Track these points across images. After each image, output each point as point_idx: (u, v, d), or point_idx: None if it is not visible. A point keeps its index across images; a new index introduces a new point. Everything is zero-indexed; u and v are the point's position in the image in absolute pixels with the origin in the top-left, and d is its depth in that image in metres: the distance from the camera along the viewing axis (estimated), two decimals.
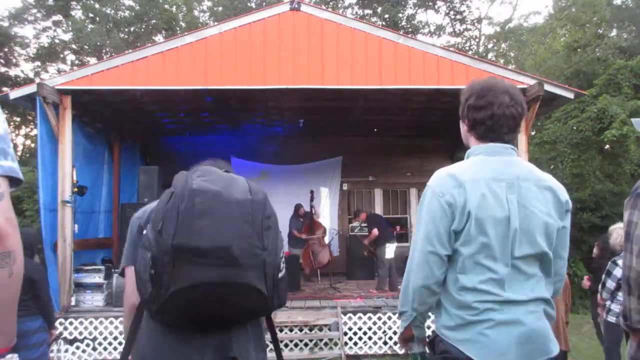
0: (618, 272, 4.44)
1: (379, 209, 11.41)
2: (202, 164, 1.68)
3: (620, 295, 4.37)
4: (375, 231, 8.50)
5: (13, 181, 1.21)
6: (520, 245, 1.72)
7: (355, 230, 10.78)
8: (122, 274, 1.77)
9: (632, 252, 1.84)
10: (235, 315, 1.50)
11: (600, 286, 4.66)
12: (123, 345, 1.63)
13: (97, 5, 18.41)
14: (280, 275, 1.48)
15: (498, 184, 1.76)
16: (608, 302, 4.53)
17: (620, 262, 4.43)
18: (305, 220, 9.75)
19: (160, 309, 1.41)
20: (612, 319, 4.47)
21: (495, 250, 1.71)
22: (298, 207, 9.74)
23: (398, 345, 6.86)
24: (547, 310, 1.78)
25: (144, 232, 1.48)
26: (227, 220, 1.37)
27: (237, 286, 1.38)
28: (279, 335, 6.68)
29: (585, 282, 5.65)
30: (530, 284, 1.74)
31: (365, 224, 9.18)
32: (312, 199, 9.86)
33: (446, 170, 1.84)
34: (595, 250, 5.76)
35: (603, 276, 4.62)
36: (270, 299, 1.46)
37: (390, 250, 8.47)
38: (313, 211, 9.79)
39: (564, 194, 1.83)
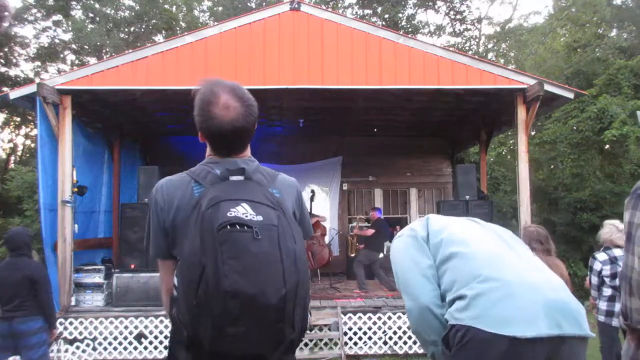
0: (597, 265, 4.47)
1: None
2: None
3: (605, 291, 4.40)
4: (370, 232, 8.57)
5: None
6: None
7: (353, 223, 10.83)
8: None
9: (633, 252, 1.83)
10: None
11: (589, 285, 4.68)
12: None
13: (97, 5, 18.39)
14: (308, 327, 1.53)
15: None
16: (597, 301, 4.53)
17: (598, 256, 4.47)
18: None
19: None
20: (601, 318, 4.46)
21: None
22: None
23: (398, 345, 6.86)
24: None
25: (174, 280, 1.47)
26: (262, 327, 1.35)
27: None
28: None
29: (588, 283, 5.64)
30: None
31: (369, 223, 9.21)
32: (312, 200, 9.88)
33: None
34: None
35: (589, 274, 4.64)
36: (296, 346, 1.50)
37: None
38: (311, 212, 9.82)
39: None
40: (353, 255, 9.17)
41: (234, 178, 1.53)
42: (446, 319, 1.67)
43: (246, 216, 1.38)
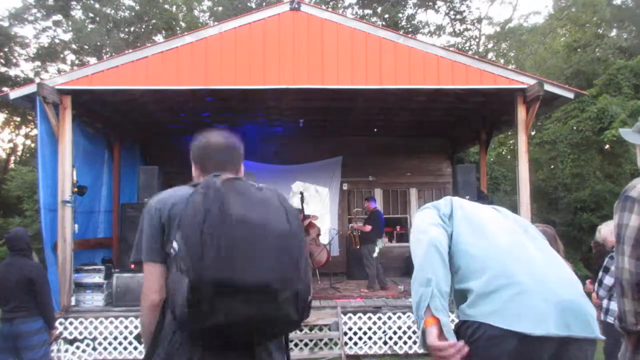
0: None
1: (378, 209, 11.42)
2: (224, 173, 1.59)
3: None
4: (368, 228, 8.64)
5: None
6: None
7: (352, 224, 10.87)
8: (133, 264, 1.76)
9: (623, 253, 1.86)
10: (266, 338, 1.53)
11: (596, 284, 4.63)
12: (145, 352, 1.63)
13: (97, 5, 18.39)
14: (309, 298, 1.51)
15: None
16: (605, 301, 4.48)
17: None
18: None
19: (194, 332, 1.43)
20: (610, 319, 4.42)
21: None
22: (298, 212, 9.81)
23: (398, 345, 6.86)
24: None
25: (174, 245, 1.45)
26: (268, 256, 1.38)
27: (275, 319, 1.41)
28: None
29: (589, 286, 5.58)
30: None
31: (366, 216, 9.25)
32: (302, 201, 9.90)
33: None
34: (593, 251, 5.73)
35: (600, 273, 4.59)
36: (300, 321, 1.50)
37: (377, 248, 8.56)
38: (302, 216, 9.85)
39: None
40: (358, 247, 9.17)
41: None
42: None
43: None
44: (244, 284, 1.33)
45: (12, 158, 19.67)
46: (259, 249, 1.36)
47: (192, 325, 1.39)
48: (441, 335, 1.53)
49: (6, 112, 18.17)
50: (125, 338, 6.77)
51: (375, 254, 8.57)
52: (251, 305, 1.35)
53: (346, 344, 6.80)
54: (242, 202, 1.40)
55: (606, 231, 4.72)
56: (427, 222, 1.75)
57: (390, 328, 6.90)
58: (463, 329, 1.59)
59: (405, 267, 10.24)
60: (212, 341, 1.47)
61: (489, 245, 1.67)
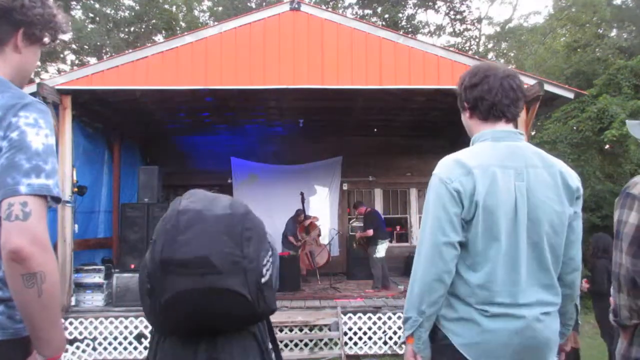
0: None
1: (379, 209, 11.40)
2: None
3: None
4: (370, 232, 8.61)
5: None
6: (530, 235, 1.68)
7: (352, 222, 10.89)
8: None
9: (621, 249, 1.92)
10: (222, 322, 1.56)
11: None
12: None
13: (97, 5, 18.40)
14: (263, 280, 1.54)
15: (506, 171, 1.70)
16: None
17: None
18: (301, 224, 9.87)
19: (156, 320, 1.55)
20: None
21: (505, 243, 1.66)
22: (299, 212, 9.84)
23: (398, 345, 6.86)
24: (554, 316, 1.74)
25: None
26: (206, 233, 1.50)
27: (219, 291, 1.48)
28: (279, 335, 6.68)
29: (584, 285, 5.61)
30: (541, 288, 1.70)
31: (362, 219, 9.25)
32: (302, 201, 9.91)
33: (452, 157, 1.80)
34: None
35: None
36: (255, 303, 1.52)
37: (381, 249, 8.53)
38: (303, 216, 9.87)
39: (574, 181, 1.77)
40: (366, 252, 9.20)
41: None
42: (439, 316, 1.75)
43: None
44: (182, 258, 1.47)
45: None
46: (198, 229, 1.50)
47: (153, 314, 1.52)
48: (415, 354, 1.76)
49: None
50: (125, 338, 6.77)
51: (379, 255, 8.56)
52: (194, 278, 1.47)
53: (346, 344, 6.80)
54: (190, 200, 1.55)
55: None
56: (439, 237, 1.67)
57: (390, 328, 6.90)
58: (437, 333, 1.75)
59: (405, 267, 10.24)
60: (174, 329, 1.56)
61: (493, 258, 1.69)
